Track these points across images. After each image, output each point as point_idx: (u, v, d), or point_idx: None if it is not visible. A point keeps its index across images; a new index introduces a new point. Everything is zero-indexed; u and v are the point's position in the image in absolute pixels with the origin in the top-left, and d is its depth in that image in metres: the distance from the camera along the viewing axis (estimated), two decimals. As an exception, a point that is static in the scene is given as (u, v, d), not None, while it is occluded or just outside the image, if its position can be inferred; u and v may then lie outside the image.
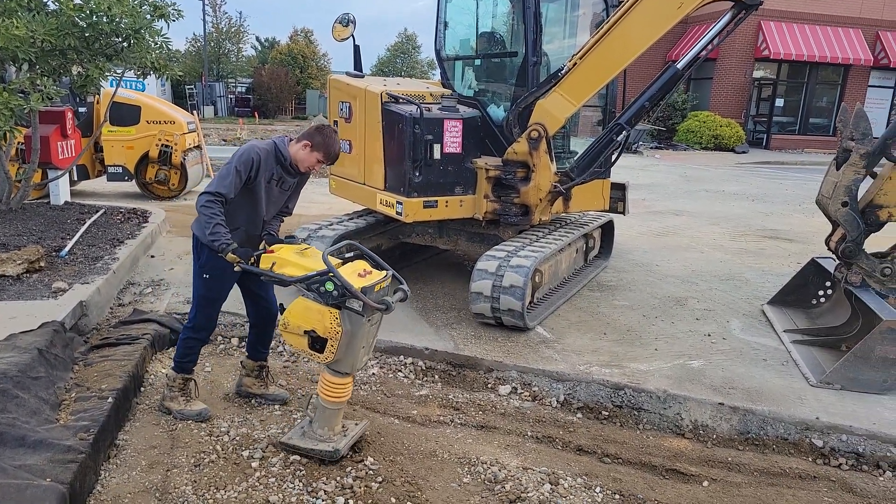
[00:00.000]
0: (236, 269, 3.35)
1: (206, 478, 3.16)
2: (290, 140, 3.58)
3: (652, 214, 10.43)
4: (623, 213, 7.26)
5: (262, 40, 47.97)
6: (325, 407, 3.34)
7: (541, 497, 3.19)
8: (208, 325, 3.71)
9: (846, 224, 4.69)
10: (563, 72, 5.25)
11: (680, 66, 5.28)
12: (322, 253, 3.15)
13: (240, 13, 67.21)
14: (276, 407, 3.91)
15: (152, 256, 6.75)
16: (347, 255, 3.22)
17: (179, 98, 34.62)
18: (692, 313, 5.67)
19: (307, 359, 4.34)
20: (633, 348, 4.84)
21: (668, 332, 5.19)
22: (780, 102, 25.71)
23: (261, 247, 3.58)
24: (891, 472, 3.62)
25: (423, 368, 4.61)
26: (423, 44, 51.56)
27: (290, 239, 3.60)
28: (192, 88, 36.45)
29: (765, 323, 5.48)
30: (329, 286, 3.05)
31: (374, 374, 4.52)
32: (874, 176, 4.75)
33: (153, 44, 6.99)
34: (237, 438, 3.52)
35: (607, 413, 4.15)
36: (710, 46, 5.29)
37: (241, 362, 4.04)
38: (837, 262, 4.96)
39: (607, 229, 7.25)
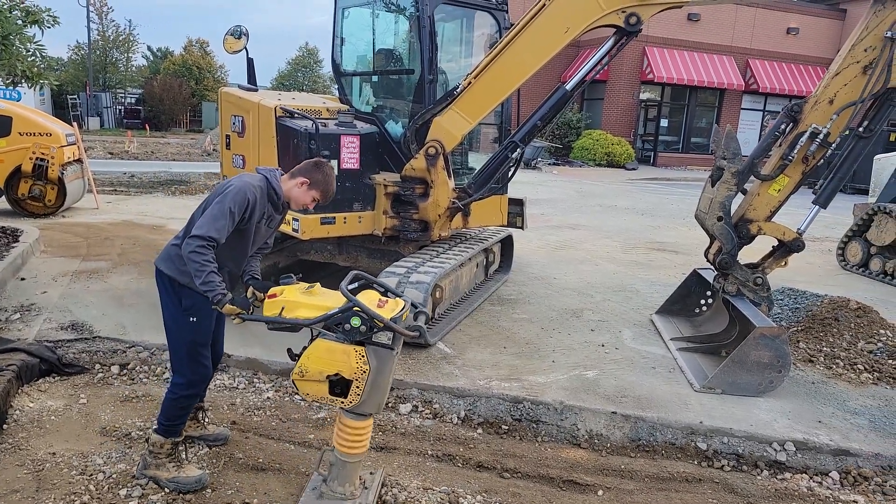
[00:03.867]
0: (235, 321, 2.99)
1: (76, 523, 2.89)
2: (282, 174, 3.27)
3: (550, 228, 10.77)
4: (522, 227, 7.43)
5: (154, 50, 45.77)
6: (344, 461, 2.97)
7: (440, 517, 3.15)
8: (204, 373, 3.28)
9: (721, 237, 5.02)
10: (458, 90, 5.32)
11: (568, 87, 5.48)
12: (340, 286, 2.87)
13: (129, 21, 63.71)
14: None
15: (22, 279, 6.19)
16: (352, 287, 2.97)
17: (61, 109, 32.29)
18: (587, 324, 5.86)
19: (327, 406, 3.99)
20: (531, 361, 4.93)
21: (565, 344, 5.32)
22: (664, 122, 27.51)
23: (249, 294, 3.23)
24: (767, 470, 3.86)
25: (322, 390, 4.47)
26: (324, 58, 51.05)
27: (287, 279, 3.17)
28: (75, 99, 34.14)
29: (653, 332, 5.75)
30: (356, 322, 2.77)
31: (268, 398, 4.33)
32: (745, 192, 5.13)
33: (25, 51, 6.48)
34: (113, 476, 3.24)
35: (507, 427, 4.18)
36: (597, 68, 5.53)
37: None
38: (716, 272, 5.30)
39: (507, 244, 7.40)
